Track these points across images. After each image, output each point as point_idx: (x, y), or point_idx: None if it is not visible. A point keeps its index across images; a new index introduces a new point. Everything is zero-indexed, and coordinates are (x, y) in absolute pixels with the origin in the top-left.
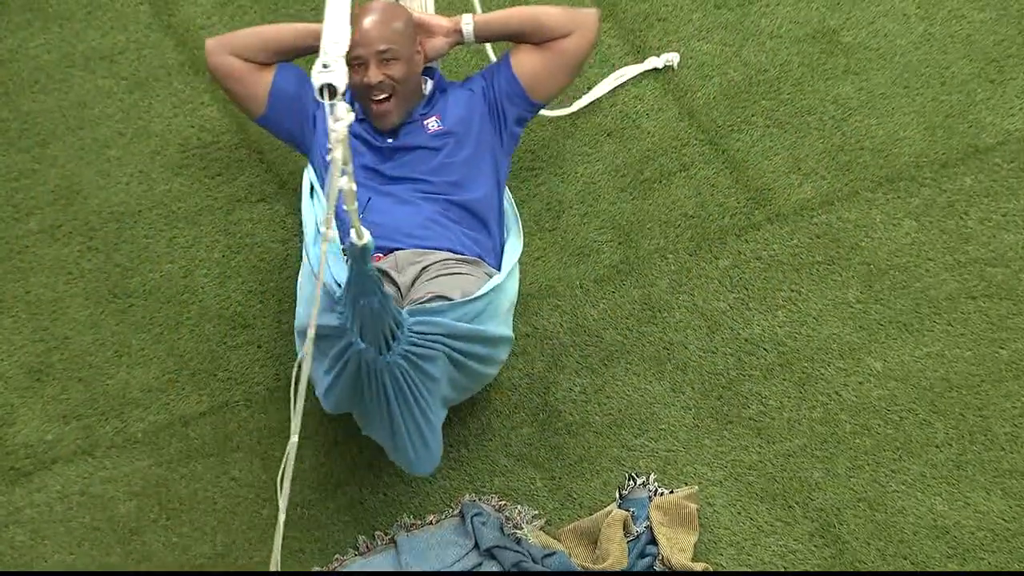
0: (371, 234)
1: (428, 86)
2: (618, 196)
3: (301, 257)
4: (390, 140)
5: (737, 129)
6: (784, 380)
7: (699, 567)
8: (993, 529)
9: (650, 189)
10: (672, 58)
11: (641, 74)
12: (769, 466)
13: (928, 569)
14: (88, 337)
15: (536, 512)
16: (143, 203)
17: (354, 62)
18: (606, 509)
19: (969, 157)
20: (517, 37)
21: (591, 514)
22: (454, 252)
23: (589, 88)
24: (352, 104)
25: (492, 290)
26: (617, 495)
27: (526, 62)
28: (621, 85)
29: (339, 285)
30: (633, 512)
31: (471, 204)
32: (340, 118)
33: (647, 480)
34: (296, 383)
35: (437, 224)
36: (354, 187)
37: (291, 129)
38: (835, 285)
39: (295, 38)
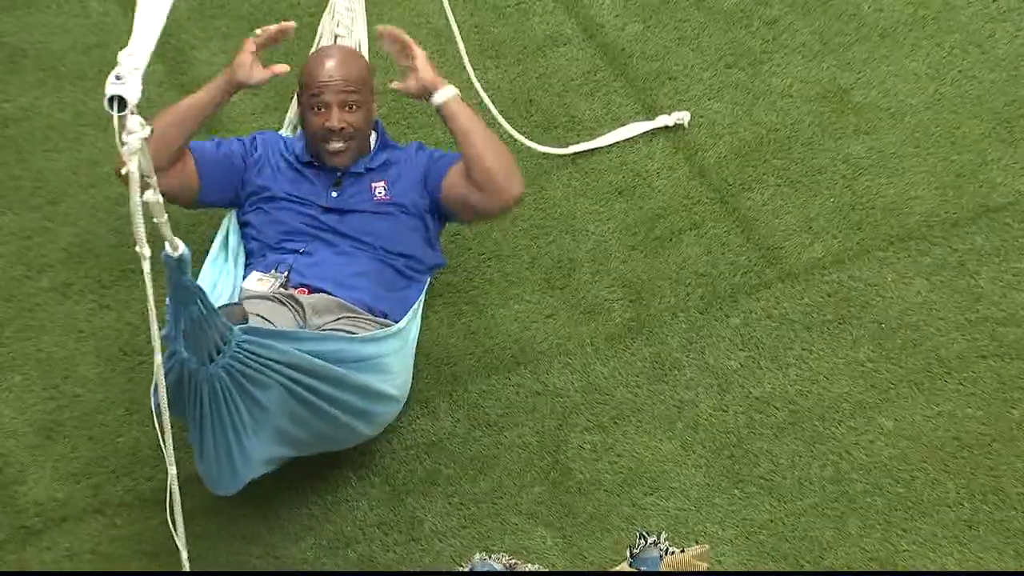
0: (305, 268)
1: (372, 138)
2: (629, 254)
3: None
4: (334, 194)
5: (748, 188)
6: (795, 438)
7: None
8: None
9: (661, 247)
10: (683, 117)
11: (652, 133)
12: (780, 525)
13: None
14: (99, 395)
15: (547, 571)
16: (154, 261)
17: (314, 103)
18: (617, 568)
19: (980, 216)
20: (461, 143)
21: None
22: (372, 312)
23: (592, 138)
24: (285, 148)
25: (384, 341)
26: (628, 554)
27: (456, 183)
28: (632, 143)
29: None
30: (644, 571)
31: (409, 265)
32: (133, 131)
33: (658, 539)
34: (159, 411)
35: (368, 280)
36: (160, 199)
37: (227, 191)
38: (846, 344)
39: (198, 111)
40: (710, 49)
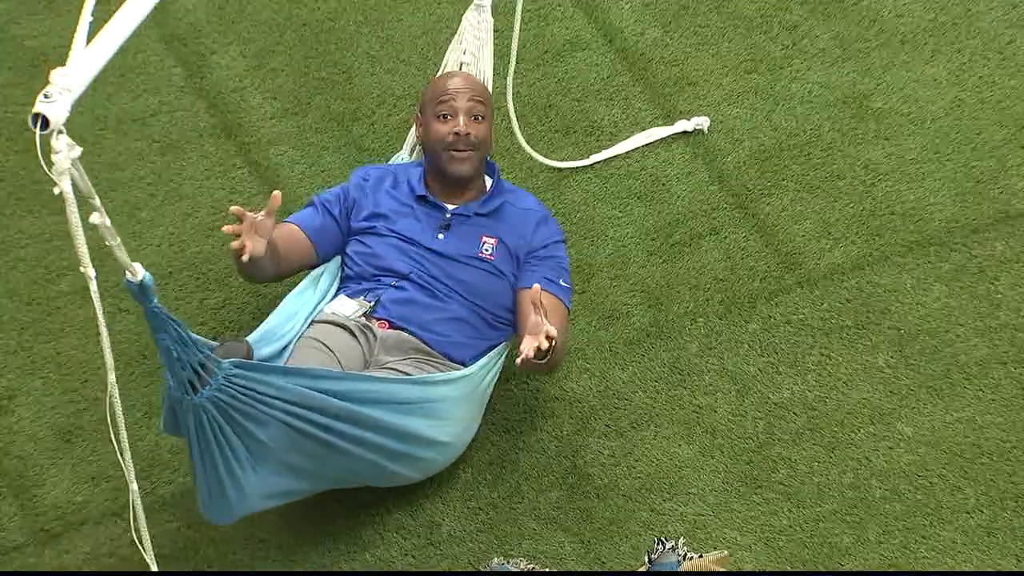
0: (393, 304)
1: (488, 182)
2: (648, 259)
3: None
4: (441, 236)
5: (767, 193)
6: (814, 444)
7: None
8: None
9: (680, 253)
10: (702, 122)
11: (671, 138)
12: (799, 531)
13: None
14: (118, 398)
15: (564, 571)
16: (174, 265)
17: (440, 111)
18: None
19: (1000, 223)
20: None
21: None
22: (451, 359)
23: (611, 143)
24: (399, 183)
25: (437, 386)
26: (646, 559)
27: (520, 308)
28: (651, 148)
29: None
30: (659, 571)
31: (498, 318)
32: (59, 150)
33: (676, 544)
34: (115, 426)
35: (455, 327)
36: (107, 221)
37: (339, 245)
38: (865, 349)
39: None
40: (730, 54)
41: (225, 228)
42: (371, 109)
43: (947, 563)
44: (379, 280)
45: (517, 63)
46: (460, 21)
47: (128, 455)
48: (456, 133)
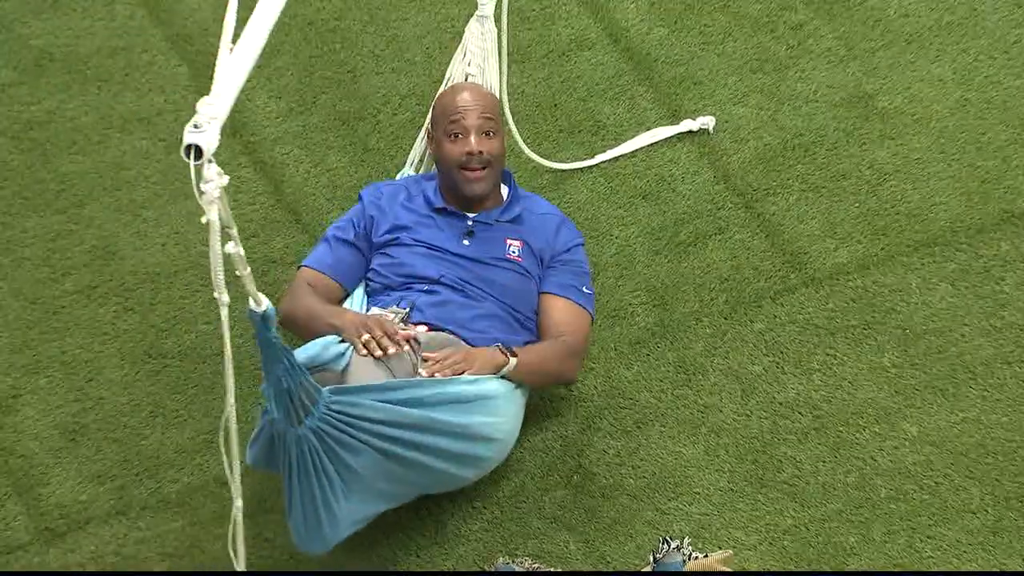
0: (428, 307)
1: (505, 191)
2: (653, 259)
3: None
4: (466, 242)
5: (772, 193)
6: (819, 444)
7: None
8: None
9: (685, 252)
10: (708, 122)
11: (676, 137)
12: (804, 531)
13: None
14: (123, 398)
15: (569, 571)
16: (179, 264)
17: (452, 130)
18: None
19: (1005, 222)
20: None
21: None
22: None
23: (616, 142)
24: (417, 196)
25: (490, 380)
26: (651, 559)
27: (540, 318)
28: (656, 148)
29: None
30: (664, 572)
31: (528, 317)
32: (210, 179)
33: (681, 544)
34: (228, 447)
35: (491, 323)
36: (241, 251)
37: (364, 270)
38: (870, 349)
39: (314, 331)
40: (735, 54)
41: (391, 350)
42: (376, 108)
43: (952, 563)
44: (409, 287)
45: (523, 62)
46: (465, 21)
47: (238, 475)
48: (469, 152)
